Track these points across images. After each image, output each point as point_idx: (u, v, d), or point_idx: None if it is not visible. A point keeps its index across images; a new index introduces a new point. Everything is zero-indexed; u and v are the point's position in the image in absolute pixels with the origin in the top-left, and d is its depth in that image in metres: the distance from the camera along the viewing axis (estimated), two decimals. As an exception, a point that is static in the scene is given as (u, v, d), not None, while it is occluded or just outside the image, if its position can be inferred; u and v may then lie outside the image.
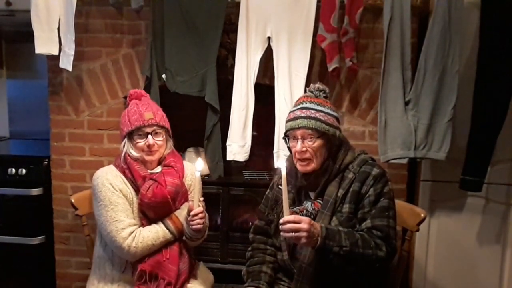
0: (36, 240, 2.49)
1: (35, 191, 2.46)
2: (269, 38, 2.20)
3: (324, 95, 1.69)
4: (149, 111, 1.75)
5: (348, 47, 2.13)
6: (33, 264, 2.53)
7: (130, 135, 1.75)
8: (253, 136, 2.26)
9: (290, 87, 2.20)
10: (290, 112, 1.68)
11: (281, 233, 1.48)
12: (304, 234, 1.43)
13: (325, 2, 2.12)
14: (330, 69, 2.16)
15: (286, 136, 1.68)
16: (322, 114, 1.61)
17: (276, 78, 2.22)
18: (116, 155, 1.84)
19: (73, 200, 1.97)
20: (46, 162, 2.49)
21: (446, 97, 2.09)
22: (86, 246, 2.02)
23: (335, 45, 2.13)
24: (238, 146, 2.25)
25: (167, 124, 1.80)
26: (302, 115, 1.61)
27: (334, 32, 2.12)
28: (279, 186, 1.70)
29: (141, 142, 1.73)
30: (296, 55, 2.19)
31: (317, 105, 1.63)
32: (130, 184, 1.76)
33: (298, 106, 1.65)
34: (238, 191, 2.48)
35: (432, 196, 2.35)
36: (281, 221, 1.46)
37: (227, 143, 2.25)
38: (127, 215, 1.71)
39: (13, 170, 2.47)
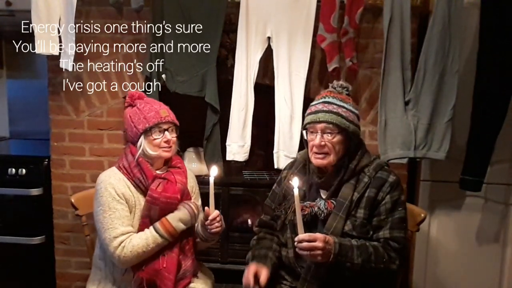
0: (36, 240, 2.49)
1: (35, 191, 2.46)
2: (269, 38, 2.20)
3: (347, 92, 1.66)
4: (163, 108, 1.78)
5: (348, 47, 2.13)
6: (33, 264, 2.53)
7: (146, 133, 1.74)
8: (253, 136, 2.26)
9: (290, 87, 2.20)
10: (312, 105, 1.65)
11: (297, 250, 1.49)
12: (319, 252, 1.45)
13: (325, 2, 2.12)
14: (330, 69, 2.16)
15: (305, 129, 1.66)
16: (344, 110, 1.59)
17: (276, 78, 2.22)
18: (117, 155, 1.84)
19: (73, 200, 1.97)
20: (46, 162, 2.49)
21: (446, 97, 2.10)
22: (86, 246, 2.01)
23: (335, 45, 2.13)
24: (237, 146, 2.25)
25: (177, 122, 1.82)
26: (324, 109, 1.58)
27: (334, 32, 2.12)
28: (290, 181, 1.68)
29: (159, 139, 1.74)
30: (296, 55, 2.19)
31: (340, 100, 1.61)
32: (135, 186, 1.75)
33: (320, 100, 1.63)
34: (238, 191, 2.48)
35: (432, 196, 2.36)
36: (296, 239, 1.47)
37: (227, 143, 2.25)
38: (123, 223, 1.69)
39: (13, 170, 2.47)
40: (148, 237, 1.69)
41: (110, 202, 1.69)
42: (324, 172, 1.64)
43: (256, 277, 1.61)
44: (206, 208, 1.72)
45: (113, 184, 1.72)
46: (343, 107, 1.59)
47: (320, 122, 1.57)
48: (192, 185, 1.89)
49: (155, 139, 1.74)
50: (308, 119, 1.62)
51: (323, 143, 1.57)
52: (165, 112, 1.76)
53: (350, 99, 1.65)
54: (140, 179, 1.74)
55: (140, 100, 1.80)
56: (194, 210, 1.77)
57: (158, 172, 1.79)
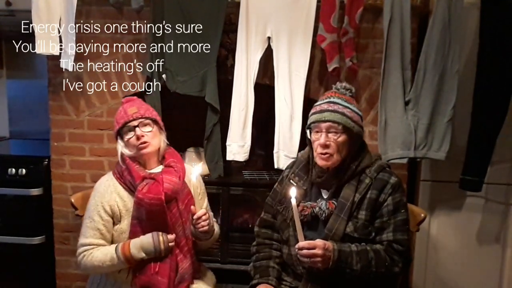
0: (36, 240, 2.49)
1: (35, 191, 2.46)
2: (269, 38, 2.20)
3: (350, 94, 1.67)
4: (132, 106, 1.75)
5: (348, 47, 2.13)
6: (33, 264, 2.53)
7: (121, 134, 1.75)
8: (253, 136, 2.26)
9: (290, 87, 2.20)
10: (316, 105, 1.65)
11: (298, 256, 1.51)
12: (319, 259, 1.47)
13: (325, 2, 2.12)
14: (330, 69, 2.16)
15: (309, 128, 1.66)
16: (349, 110, 1.59)
17: (276, 78, 2.22)
18: (116, 155, 1.83)
19: (73, 200, 1.97)
20: (46, 162, 2.48)
21: (446, 97, 2.10)
22: (86, 246, 2.01)
23: (335, 45, 2.13)
24: (237, 146, 2.25)
25: (153, 115, 1.78)
26: (330, 108, 1.59)
27: (334, 32, 2.12)
28: (291, 181, 1.70)
29: (131, 137, 1.72)
30: (296, 55, 2.19)
31: (344, 101, 1.61)
32: (127, 189, 1.74)
33: (325, 100, 1.63)
34: (238, 191, 2.48)
35: (432, 196, 2.36)
36: (296, 246, 1.49)
37: (227, 143, 2.25)
38: (94, 234, 1.70)
39: (13, 170, 2.46)
40: (107, 254, 1.68)
41: (92, 211, 1.72)
42: (325, 172, 1.64)
43: None
44: (192, 207, 1.71)
45: (102, 193, 1.74)
46: (348, 107, 1.60)
47: (325, 121, 1.58)
48: (196, 185, 1.86)
49: (128, 139, 1.72)
50: (313, 118, 1.62)
51: (328, 142, 1.57)
52: (133, 109, 1.73)
53: (353, 101, 1.66)
54: (130, 181, 1.73)
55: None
56: (161, 244, 1.68)
57: (152, 171, 1.77)
